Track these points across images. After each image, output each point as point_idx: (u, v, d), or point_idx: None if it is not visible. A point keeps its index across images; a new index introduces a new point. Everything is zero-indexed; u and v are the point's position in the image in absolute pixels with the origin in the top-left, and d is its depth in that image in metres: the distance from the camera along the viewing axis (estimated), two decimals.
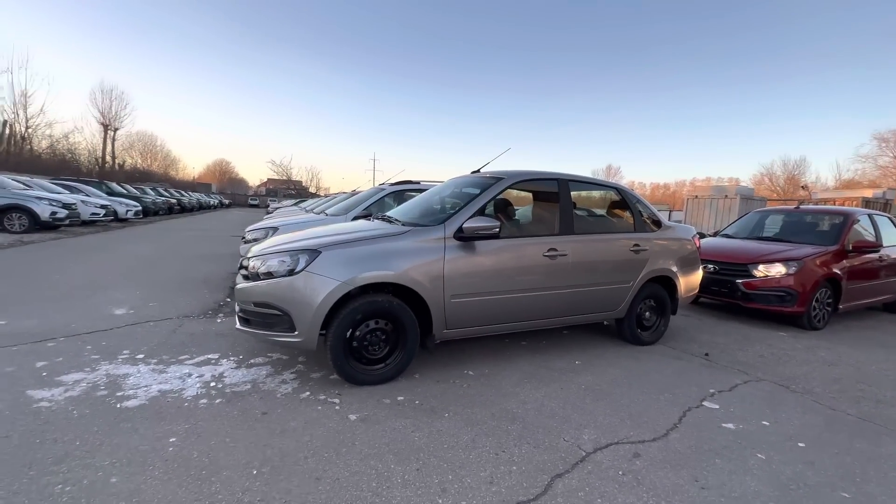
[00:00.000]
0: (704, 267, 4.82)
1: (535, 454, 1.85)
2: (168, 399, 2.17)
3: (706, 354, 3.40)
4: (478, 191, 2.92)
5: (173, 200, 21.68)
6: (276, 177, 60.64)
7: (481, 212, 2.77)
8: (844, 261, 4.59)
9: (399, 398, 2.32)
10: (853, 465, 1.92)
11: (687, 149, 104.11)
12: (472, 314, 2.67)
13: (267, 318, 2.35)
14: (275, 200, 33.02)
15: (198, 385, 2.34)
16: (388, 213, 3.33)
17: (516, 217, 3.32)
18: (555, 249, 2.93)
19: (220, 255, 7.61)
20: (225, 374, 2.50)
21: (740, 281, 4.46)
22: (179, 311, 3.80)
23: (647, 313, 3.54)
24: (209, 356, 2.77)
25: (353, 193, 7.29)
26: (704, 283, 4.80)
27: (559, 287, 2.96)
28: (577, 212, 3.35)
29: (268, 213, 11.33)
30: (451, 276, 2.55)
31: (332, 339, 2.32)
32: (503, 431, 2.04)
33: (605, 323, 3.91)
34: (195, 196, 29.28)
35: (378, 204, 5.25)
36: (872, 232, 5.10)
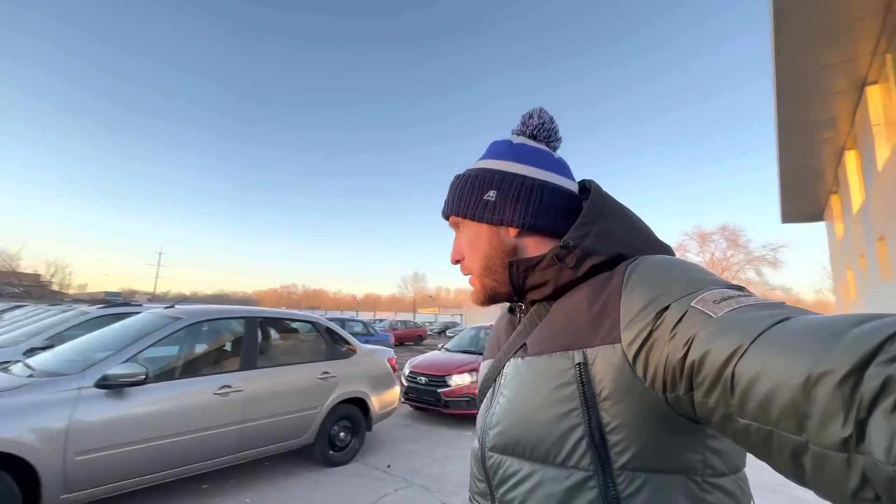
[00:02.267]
0: (417, 379, 5.73)
1: None
2: None
3: (388, 466, 3.94)
4: (149, 330, 2.96)
5: None
6: None
7: (135, 357, 2.75)
8: None
9: None
10: None
11: None
12: (107, 470, 2.50)
13: None
14: None
15: None
16: (37, 356, 2.97)
17: (193, 355, 3.36)
18: (228, 386, 3.12)
19: None
20: None
21: (441, 390, 5.47)
22: None
23: (342, 434, 3.95)
24: None
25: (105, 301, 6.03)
26: (417, 394, 5.65)
27: (230, 424, 3.09)
28: (270, 344, 3.70)
29: None
30: (81, 429, 2.40)
31: None
32: None
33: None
34: None
35: (77, 329, 4.54)
36: None
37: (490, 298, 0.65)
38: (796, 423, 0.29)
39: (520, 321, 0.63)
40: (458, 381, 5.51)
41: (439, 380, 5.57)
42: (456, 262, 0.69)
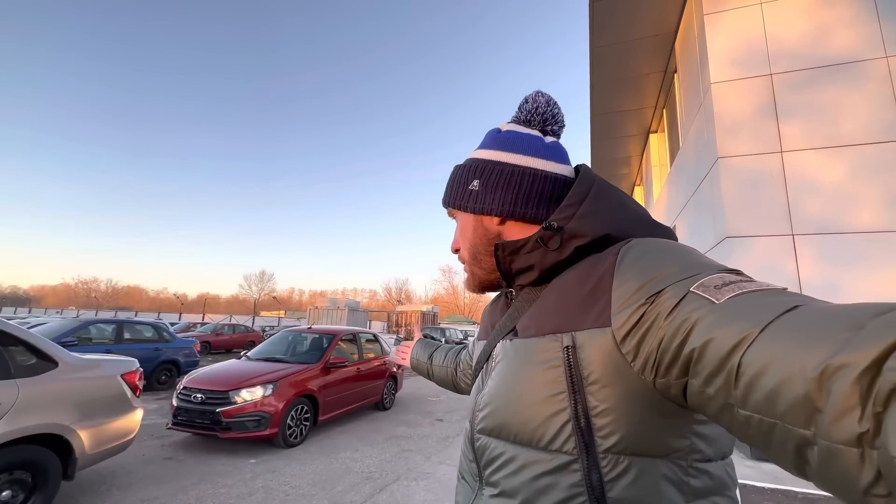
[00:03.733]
0: (191, 397, 4.52)
1: None
2: None
3: None
4: None
5: None
6: None
7: None
8: (325, 376, 5.43)
9: None
10: None
11: (341, 262, 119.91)
12: None
13: None
14: None
15: None
16: None
17: None
18: None
19: None
20: None
21: (221, 409, 4.36)
22: None
23: (5, 492, 2.61)
24: None
25: None
26: (189, 416, 4.43)
27: None
28: None
29: None
30: None
31: None
32: None
33: None
34: None
35: None
36: (356, 348, 6.50)
37: (481, 286, 0.66)
38: (805, 417, 0.29)
39: (510, 305, 0.63)
40: (248, 396, 4.49)
41: (220, 396, 4.44)
42: (455, 251, 0.69)
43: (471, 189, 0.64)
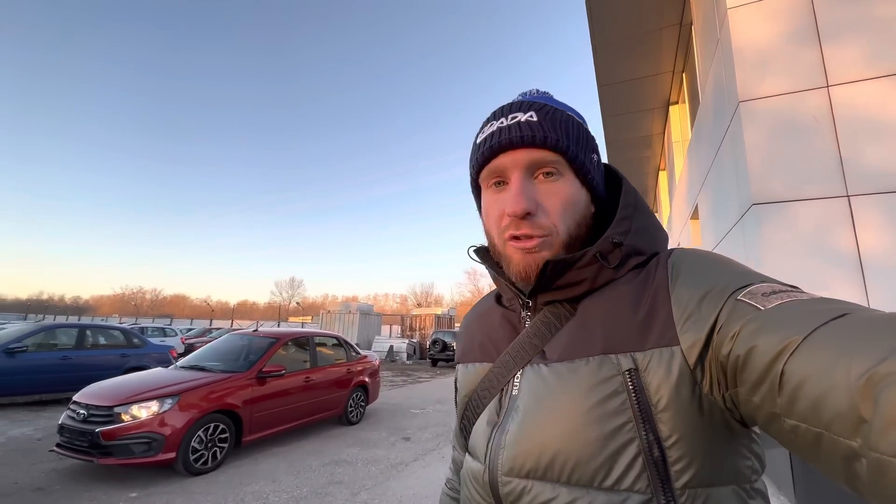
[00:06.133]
0: (77, 413, 3.78)
1: None
2: None
3: None
4: None
5: None
6: None
7: None
8: (256, 388, 4.58)
9: None
10: None
11: (364, 268, 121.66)
12: None
13: None
14: None
15: None
16: None
17: None
18: None
19: None
20: None
21: (101, 429, 3.58)
22: None
23: None
24: None
25: None
26: (70, 437, 3.69)
27: None
28: None
29: None
30: None
31: None
32: None
33: None
34: None
35: None
36: (308, 353, 5.63)
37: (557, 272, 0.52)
38: (851, 427, 0.27)
39: (520, 319, 0.55)
40: (138, 412, 3.69)
41: (104, 413, 3.67)
42: (527, 213, 0.48)
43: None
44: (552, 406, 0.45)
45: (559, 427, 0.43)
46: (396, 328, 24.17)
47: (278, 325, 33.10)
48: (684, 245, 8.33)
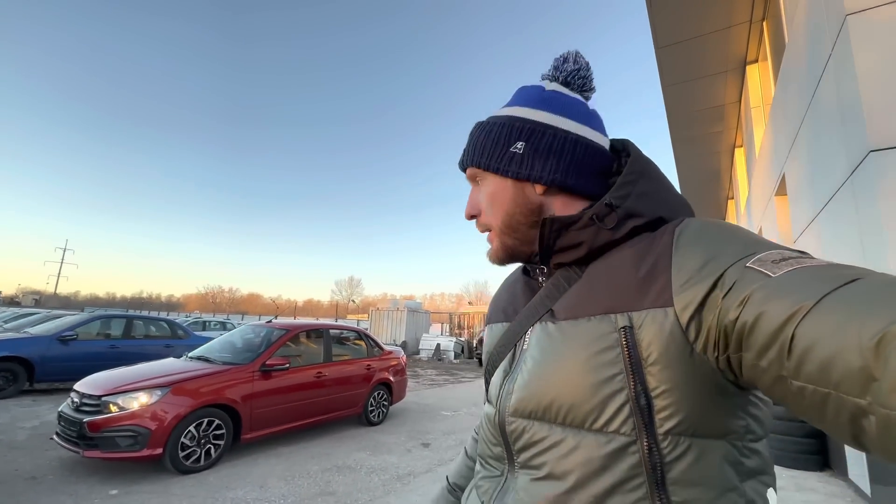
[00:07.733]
0: (73, 402, 3.67)
1: None
2: None
3: None
4: None
5: None
6: None
7: None
8: (259, 382, 4.26)
9: None
10: None
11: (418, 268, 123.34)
12: None
13: None
14: None
15: None
16: None
17: None
18: None
19: None
20: None
21: (88, 420, 3.41)
22: None
23: None
24: None
25: None
26: (64, 426, 3.58)
27: None
28: None
29: None
30: None
31: None
32: None
33: None
34: None
35: None
36: (322, 347, 5.26)
37: (510, 257, 0.61)
38: (860, 386, 0.28)
39: (540, 284, 0.60)
40: (125, 403, 3.48)
41: (93, 403, 3.51)
42: (471, 217, 0.63)
43: (513, 151, 0.58)
44: (555, 358, 0.50)
45: (559, 375, 0.48)
46: (447, 326, 23.80)
47: (335, 321, 34.11)
48: (768, 229, 6.91)
